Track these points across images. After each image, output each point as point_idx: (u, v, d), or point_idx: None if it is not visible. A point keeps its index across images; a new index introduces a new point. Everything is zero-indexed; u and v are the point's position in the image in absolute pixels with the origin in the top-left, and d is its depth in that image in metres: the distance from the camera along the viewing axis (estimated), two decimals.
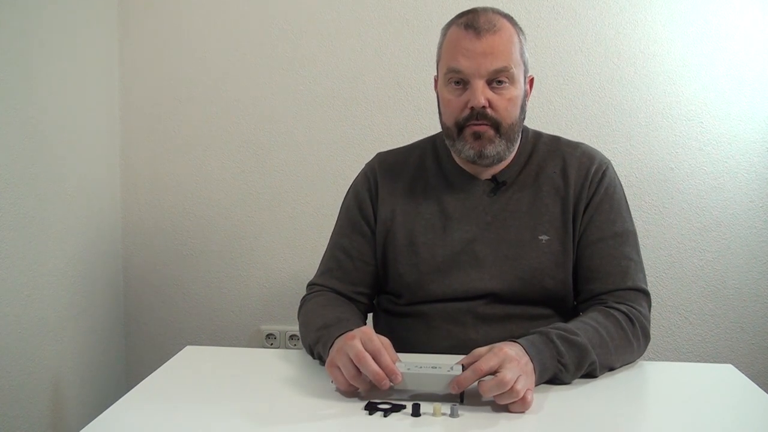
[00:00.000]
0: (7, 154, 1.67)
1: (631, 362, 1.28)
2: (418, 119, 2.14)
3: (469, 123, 1.31)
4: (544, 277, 1.34)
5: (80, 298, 2.00)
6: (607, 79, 2.11)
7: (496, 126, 1.31)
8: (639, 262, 1.36)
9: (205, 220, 2.24)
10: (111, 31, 2.18)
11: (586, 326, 1.21)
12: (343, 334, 1.16)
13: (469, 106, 1.29)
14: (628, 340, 1.24)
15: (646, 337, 1.29)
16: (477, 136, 1.31)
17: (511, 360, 1.05)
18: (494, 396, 1.04)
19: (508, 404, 1.05)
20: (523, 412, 1.05)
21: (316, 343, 1.25)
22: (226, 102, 2.20)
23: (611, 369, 1.23)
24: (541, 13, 2.09)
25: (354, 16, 2.14)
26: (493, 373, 1.04)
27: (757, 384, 1.18)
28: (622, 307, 1.28)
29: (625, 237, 1.36)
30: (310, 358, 1.29)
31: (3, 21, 1.66)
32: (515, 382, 1.03)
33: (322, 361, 1.21)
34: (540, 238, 1.34)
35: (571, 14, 2.09)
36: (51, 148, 1.84)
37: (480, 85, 1.28)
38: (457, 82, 1.31)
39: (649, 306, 1.33)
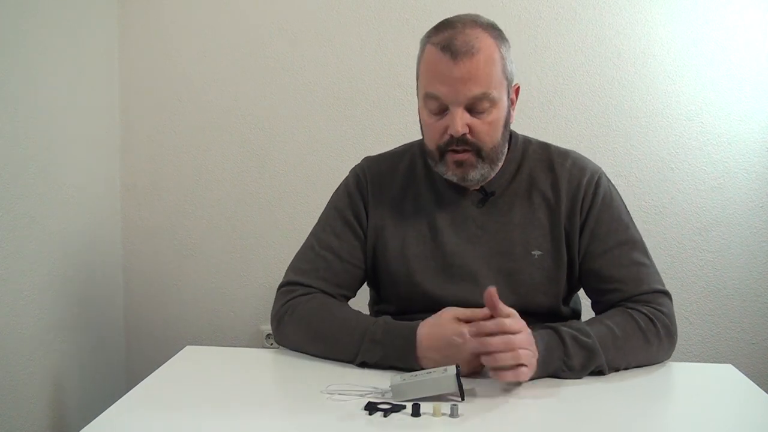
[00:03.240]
0: (7, 154, 1.67)
1: (656, 362, 1.27)
2: (417, 119, 2.13)
3: (449, 149, 1.28)
4: (537, 294, 1.34)
5: (80, 298, 2.00)
6: (607, 79, 2.11)
7: (478, 151, 1.28)
8: (651, 265, 1.35)
9: (205, 220, 2.24)
10: (111, 31, 2.18)
11: (601, 326, 1.22)
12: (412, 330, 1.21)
13: (449, 132, 1.26)
14: (645, 340, 1.24)
15: (670, 335, 1.28)
16: (459, 164, 1.29)
17: (530, 334, 1.13)
18: (496, 355, 1.08)
19: (500, 372, 1.10)
20: (513, 381, 1.11)
21: (373, 346, 1.23)
22: (225, 102, 2.20)
23: (626, 368, 1.24)
24: (541, 13, 2.09)
25: (354, 16, 2.14)
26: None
27: (757, 384, 1.19)
28: (643, 308, 1.28)
29: (632, 243, 1.34)
30: (309, 358, 1.28)
31: (3, 21, 1.66)
32: (520, 348, 1.09)
33: (377, 365, 1.23)
34: (533, 253, 1.34)
35: (571, 14, 2.09)
36: (51, 148, 1.84)
37: (459, 112, 1.24)
38: (436, 109, 1.28)
39: (671, 304, 1.33)
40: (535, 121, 2.09)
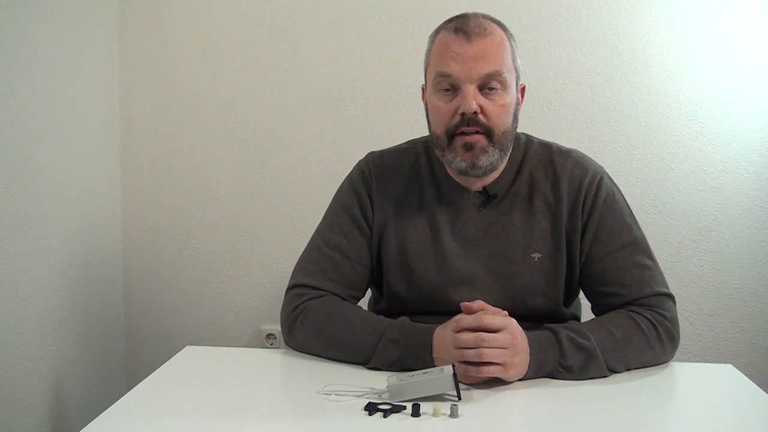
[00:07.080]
0: (7, 154, 1.67)
1: (656, 365, 1.26)
2: (417, 119, 2.13)
3: (459, 131, 1.25)
4: (535, 296, 1.32)
5: (80, 298, 2.00)
6: (607, 79, 2.11)
7: (489, 134, 1.25)
8: (654, 266, 1.32)
9: (205, 220, 2.24)
10: (111, 31, 2.18)
11: (602, 328, 1.21)
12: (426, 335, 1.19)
13: (460, 112, 1.24)
14: (647, 344, 1.23)
15: (672, 339, 1.27)
16: (468, 147, 1.25)
17: (513, 334, 1.12)
18: (462, 351, 1.11)
19: (465, 367, 1.11)
20: (476, 378, 1.11)
21: (387, 346, 1.21)
22: (225, 102, 2.20)
23: (627, 370, 1.23)
24: (541, 13, 2.09)
25: (354, 16, 2.14)
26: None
27: (757, 384, 1.19)
28: (645, 312, 1.26)
29: (634, 245, 1.32)
30: (310, 358, 1.28)
31: (3, 21, 1.66)
32: (489, 346, 1.09)
33: (391, 366, 1.21)
34: (532, 256, 1.32)
35: (571, 14, 2.09)
36: (51, 149, 1.84)
37: (471, 90, 1.23)
38: (447, 89, 1.26)
39: (675, 306, 1.31)
40: (535, 121, 2.09)
